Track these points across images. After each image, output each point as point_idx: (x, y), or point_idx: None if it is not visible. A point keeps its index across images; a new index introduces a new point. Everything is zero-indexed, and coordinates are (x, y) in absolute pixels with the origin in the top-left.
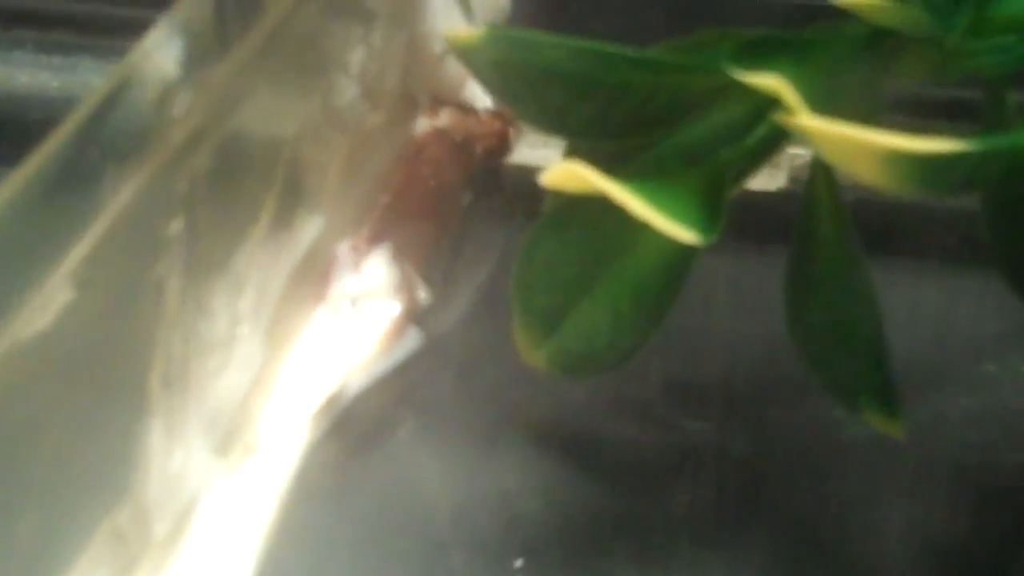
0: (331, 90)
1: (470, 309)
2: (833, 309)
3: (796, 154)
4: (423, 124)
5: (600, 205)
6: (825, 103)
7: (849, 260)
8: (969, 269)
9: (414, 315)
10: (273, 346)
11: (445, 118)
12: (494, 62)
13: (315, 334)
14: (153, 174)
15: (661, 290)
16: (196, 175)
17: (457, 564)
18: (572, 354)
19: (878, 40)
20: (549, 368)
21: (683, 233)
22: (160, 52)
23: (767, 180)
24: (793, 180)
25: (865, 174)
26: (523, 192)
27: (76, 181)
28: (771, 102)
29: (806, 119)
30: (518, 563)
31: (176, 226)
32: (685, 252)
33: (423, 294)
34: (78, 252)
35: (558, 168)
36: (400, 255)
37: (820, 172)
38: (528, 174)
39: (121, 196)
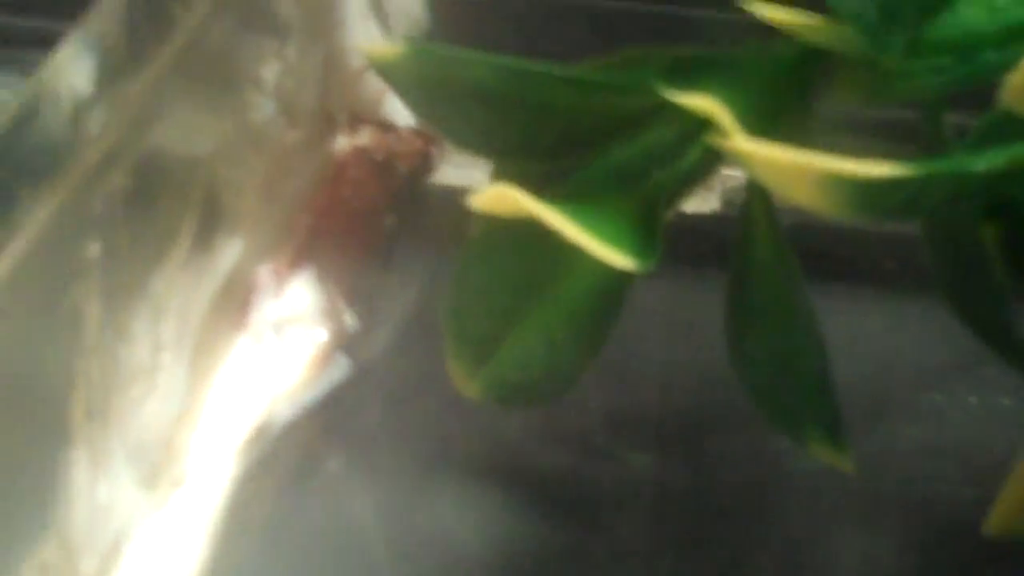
0: (247, 107)
1: (399, 335)
2: (774, 337)
3: (729, 175)
4: (343, 143)
5: (532, 229)
6: (759, 124)
7: (789, 287)
8: (912, 295)
9: (341, 342)
10: (197, 374)
11: (365, 136)
12: (416, 79)
13: (239, 362)
14: (68, 194)
15: (597, 317)
16: (112, 195)
17: None
18: (507, 383)
19: (811, 60)
20: (484, 398)
21: (619, 259)
22: (72, 67)
23: (700, 202)
24: (727, 202)
25: (802, 198)
26: (449, 214)
27: None
28: (704, 123)
29: (741, 142)
30: None
31: (93, 249)
32: (621, 278)
33: (349, 320)
34: None
35: (488, 191)
36: (324, 279)
37: (756, 195)
38: (454, 195)
39: (36, 218)
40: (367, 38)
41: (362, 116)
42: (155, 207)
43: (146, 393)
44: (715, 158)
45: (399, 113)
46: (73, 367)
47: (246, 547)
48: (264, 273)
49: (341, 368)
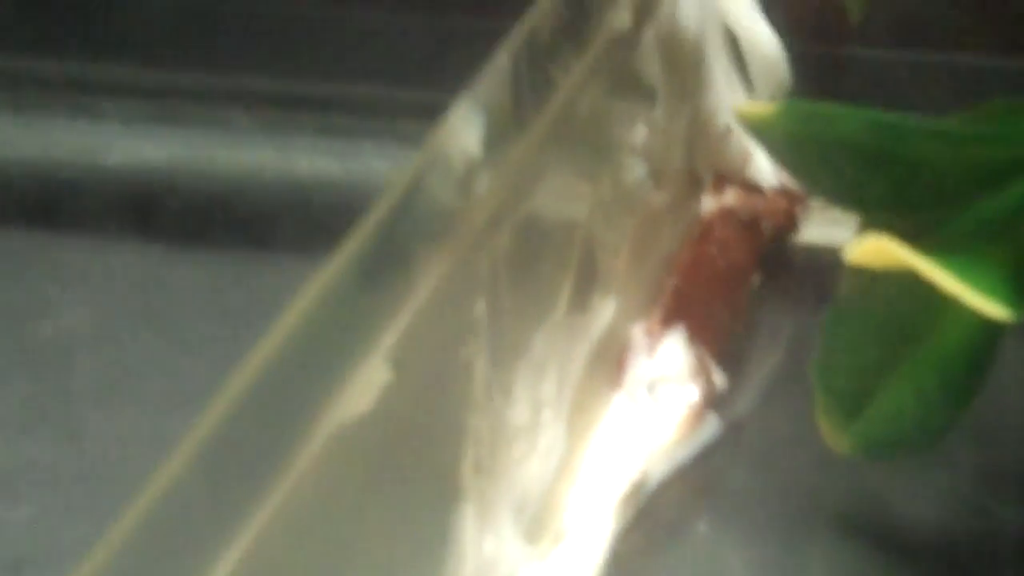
0: (619, 169)
1: (767, 393)
2: None
3: None
4: (708, 203)
5: (902, 282)
6: None
7: None
8: None
9: (711, 400)
10: (575, 432)
11: (731, 197)
12: (787, 135)
13: (614, 420)
14: (458, 255)
15: (968, 369)
16: (497, 257)
17: None
18: (877, 437)
19: None
20: (853, 452)
21: (992, 308)
22: (462, 131)
23: None
24: None
25: None
26: (813, 272)
27: (390, 263)
28: None
29: None
30: None
31: (480, 308)
32: (993, 329)
33: (719, 379)
34: (393, 334)
35: (864, 243)
36: (694, 339)
37: None
38: (817, 254)
39: (430, 277)
40: (732, 99)
41: (727, 177)
42: (536, 268)
43: (528, 450)
44: None
45: (763, 173)
46: (464, 422)
47: None
48: (638, 333)
49: (712, 426)
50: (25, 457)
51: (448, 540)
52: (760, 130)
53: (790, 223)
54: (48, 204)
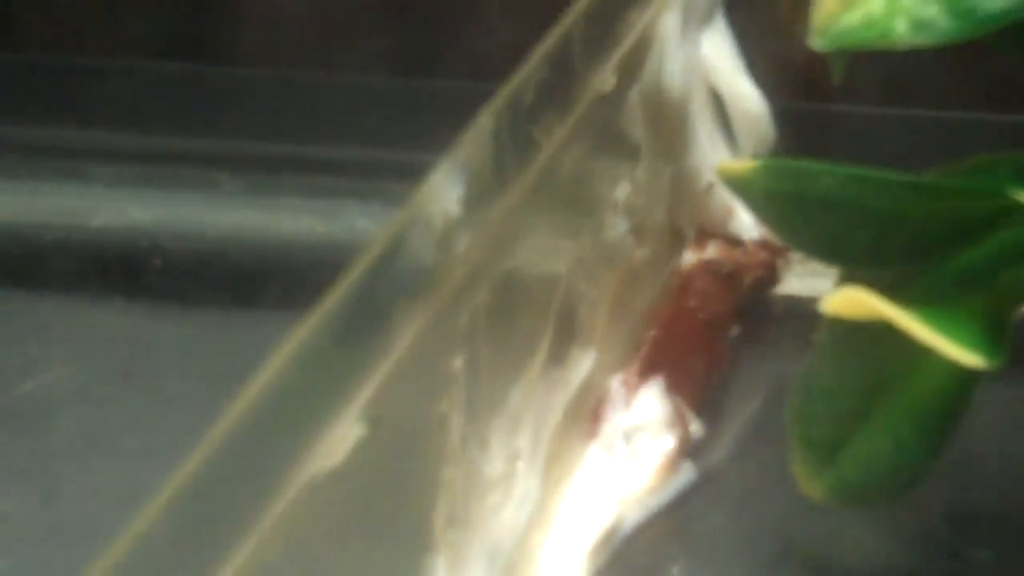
0: (601, 226)
1: (743, 442)
2: None
3: None
4: (689, 257)
5: (878, 332)
6: None
7: None
8: None
9: (687, 449)
10: (550, 482)
11: (712, 250)
12: (767, 192)
13: (589, 470)
14: (437, 311)
15: (943, 416)
16: (476, 312)
17: None
18: (852, 484)
19: None
20: (828, 499)
21: (968, 357)
22: (443, 191)
23: None
24: None
25: None
26: (793, 323)
27: (367, 319)
28: None
29: None
30: None
31: (457, 363)
32: (967, 378)
33: (695, 428)
34: (368, 390)
35: (839, 295)
36: (671, 389)
37: None
38: (797, 305)
39: (408, 333)
40: (716, 156)
41: (709, 231)
42: (515, 323)
43: (502, 500)
44: None
45: (746, 227)
46: (438, 475)
47: None
48: (615, 384)
49: (687, 474)
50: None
51: None
52: (740, 187)
53: (771, 275)
54: (33, 264)
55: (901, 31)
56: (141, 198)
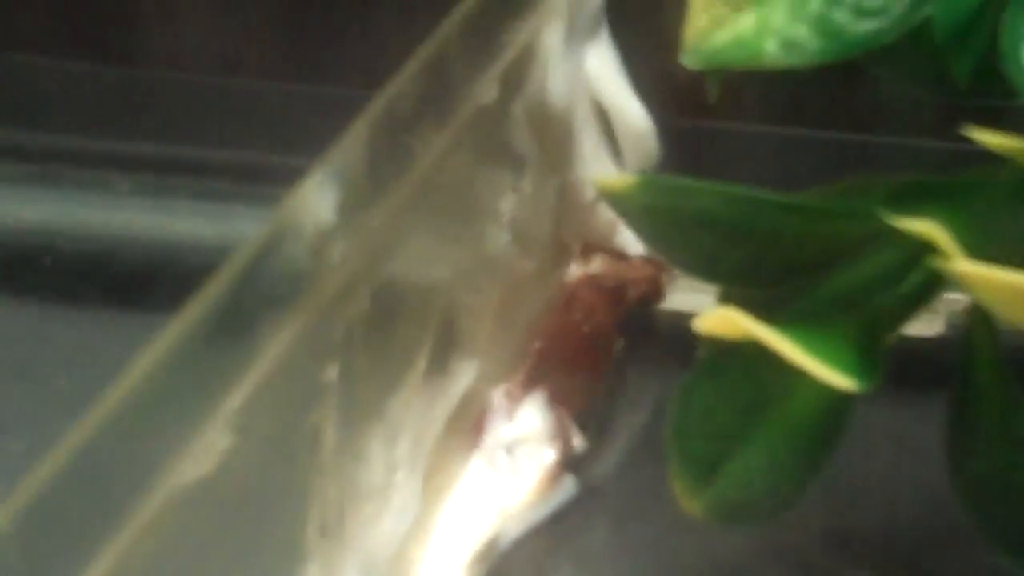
0: (483, 238)
1: (626, 456)
2: (996, 460)
3: (954, 299)
4: (574, 270)
5: (756, 352)
6: (981, 248)
7: (1011, 410)
8: None
9: (569, 462)
10: (429, 493)
11: (597, 264)
12: (645, 208)
13: (470, 481)
14: (309, 320)
15: (819, 437)
16: (352, 321)
17: None
18: (730, 502)
19: None
20: (707, 516)
21: (840, 380)
22: (316, 199)
23: (925, 326)
24: (951, 326)
25: None
26: (677, 338)
27: (235, 327)
28: (925, 247)
29: (962, 264)
30: None
31: (332, 372)
32: (843, 399)
33: (578, 441)
34: (236, 398)
35: (713, 315)
36: (554, 402)
37: (978, 318)
38: (682, 320)
39: (278, 342)
40: (600, 170)
41: (595, 245)
42: (393, 333)
43: (379, 511)
44: (938, 282)
45: (631, 242)
46: (309, 486)
47: None
48: (498, 396)
49: (568, 488)
50: None
51: None
52: (619, 202)
53: (656, 290)
54: None
55: (771, 51)
56: (32, 197)
